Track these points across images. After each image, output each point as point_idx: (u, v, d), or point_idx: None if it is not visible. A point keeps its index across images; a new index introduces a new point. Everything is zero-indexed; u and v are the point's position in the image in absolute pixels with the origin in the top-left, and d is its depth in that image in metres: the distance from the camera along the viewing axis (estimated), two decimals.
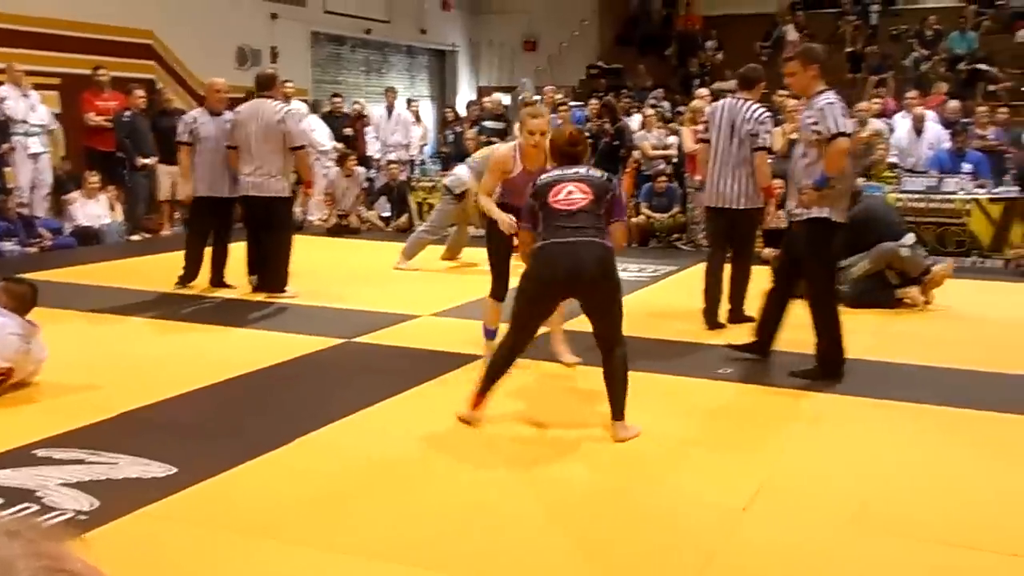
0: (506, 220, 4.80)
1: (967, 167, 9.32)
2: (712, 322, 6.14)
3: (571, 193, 4.00)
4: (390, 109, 12.88)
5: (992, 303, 7.15)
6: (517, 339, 4.12)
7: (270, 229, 7.08)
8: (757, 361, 5.22)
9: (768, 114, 6.10)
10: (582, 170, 4.11)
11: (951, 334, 6.14)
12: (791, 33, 15.95)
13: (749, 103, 6.02)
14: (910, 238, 7.03)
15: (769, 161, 6.19)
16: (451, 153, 12.25)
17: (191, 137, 7.29)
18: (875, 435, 4.14)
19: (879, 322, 6.45)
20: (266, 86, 7.18)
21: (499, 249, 5.08)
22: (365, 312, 6.61)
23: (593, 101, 12.74)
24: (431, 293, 7.38)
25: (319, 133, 11.59)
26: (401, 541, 3.10)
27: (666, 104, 13.92)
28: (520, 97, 14.92)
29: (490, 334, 5.29)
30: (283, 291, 7.13)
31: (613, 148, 10.64)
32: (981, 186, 9.13)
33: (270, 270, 7.18)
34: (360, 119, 12.93)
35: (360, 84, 16.58)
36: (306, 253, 8.14)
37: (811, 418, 4.40)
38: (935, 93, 12.16)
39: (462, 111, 14.25)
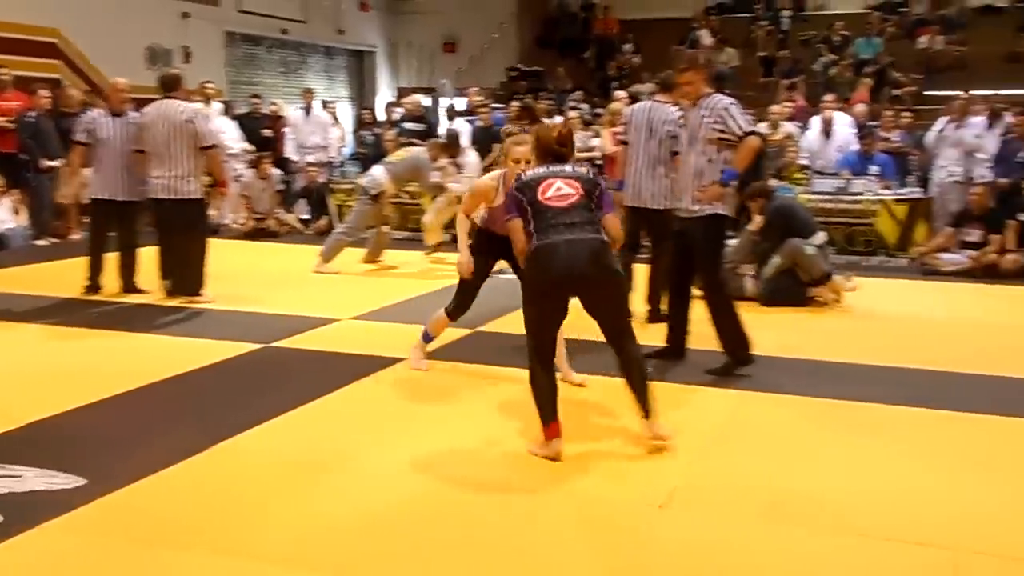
0: (464, 262, 4.82)
1: (874, 169, 9.62)
2: (654, 317, 6.31)
3: (560, 189, 3.87)
4: (307, 110, 12.72)
5: (899, 300, 7.40)
6: (540, 349, 3.89)
7: (184, 232, 6.92)
8: (674, 360, 5.31)
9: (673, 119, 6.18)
10: (568, 168, 4.00)
11: (860, 331, 6.32)
12: (706, 38, 16.26)
13: (667, 106, 6.14)
14: (819, 237, 7.22)
15: None
16: (370, 154, 12.13)
17: (89, 137, 7.11)
18: (788, 430, 4.23)
19: (791, 319, 6.62)
20: (171, 87, 7.01)
21: (474, 274, 4.94)
22: (284, 316, 6.51)
23: (515, 103, 12.80)
24: (351, 296, 7.30)
25: (229, 135, 11.38)
26: (318, 547, 3.06)
27: (585, 106, 14.05)
28: (443, 98, 14.89)
29: (427, 338, 5.23)
30: (199, 295, 6.98)
31: None
32: (887, 187, 9.44)
33: (185, 274, 7.01)
34: (278, 120, 12.73)
35: (278, 85, 16.35)
36: (223, 257, 7.97)
37: (727, 415, 4.48)
38: (861, 87, 12.55)
39: (381, 112, 14.15)
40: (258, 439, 4.06)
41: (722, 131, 4.96)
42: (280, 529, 3.19)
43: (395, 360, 5.32)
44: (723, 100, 5.02)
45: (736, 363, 5.08)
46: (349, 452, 3.91)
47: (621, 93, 10.76)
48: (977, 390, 4.87)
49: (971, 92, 10.67)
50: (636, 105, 6.57)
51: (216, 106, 11.49)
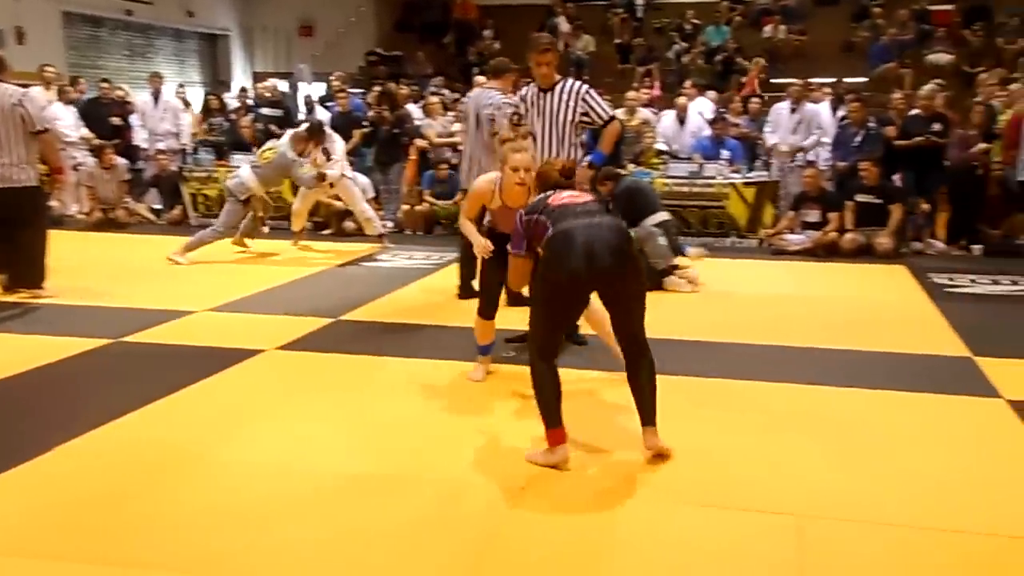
0: (480, 243, 4.43)
1: (725, 153, 9.99)
2: (465, 292, 6.43)
3: (573, 194, 3.72)
4: (156, 96, 12.17)
5: (748, 280, 7.72)
6: (546, 349, 3.59)
7: (20, 222, 6.54)
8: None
9: (508, 101, 6.01)
10: (574, 190, 3.82)
11: (710, 310, 6.56)
12: (563, 24, 16.47)
13: (492, 92, 6.21)
14: (660, 216, 7.33)
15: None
16: (226, 142, 11.75)
17: None
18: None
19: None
20: None
21: (491, 269, 4.61)
22: (135, 310, 6.24)
23: (375, 88, 12.64)
24: (208, 287, 7.08)
25: (65, 122, 10.82)
26: (174, 546, 2.97)
27: (446, 92, 14.01)
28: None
29: (484, 349, 4.79)
30: (40, 288, 6.62)
31: (393, 136, 10.62)
32: (736, 171, 9.83)
33: (24, 266, 6.64)
34: (125, 106, 12.15)
35: (124, 69, 15.62)
36: (67, 249, 7.60)
37: (586, 394, 4.57)
38: (753, 68, 12.90)
39: (236, 98, 13.72)
40: (108, 437, 3.90)
41: (585, 114, 5.20)
42: (134, 529, 3.08)
43: (255, 352, 5.19)
44: (581, 86, 5.26)
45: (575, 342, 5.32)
46: (206, 447, 3.80)
47: (481, 79, 10.78)
48: (819, 363, 5.13)
49: (809, 80, 11.21)
50: (471, 92, 6.66)
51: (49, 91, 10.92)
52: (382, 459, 3.70)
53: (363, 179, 10.06)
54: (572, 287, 3.53)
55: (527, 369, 3.66)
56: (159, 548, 2.96)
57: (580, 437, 3.87)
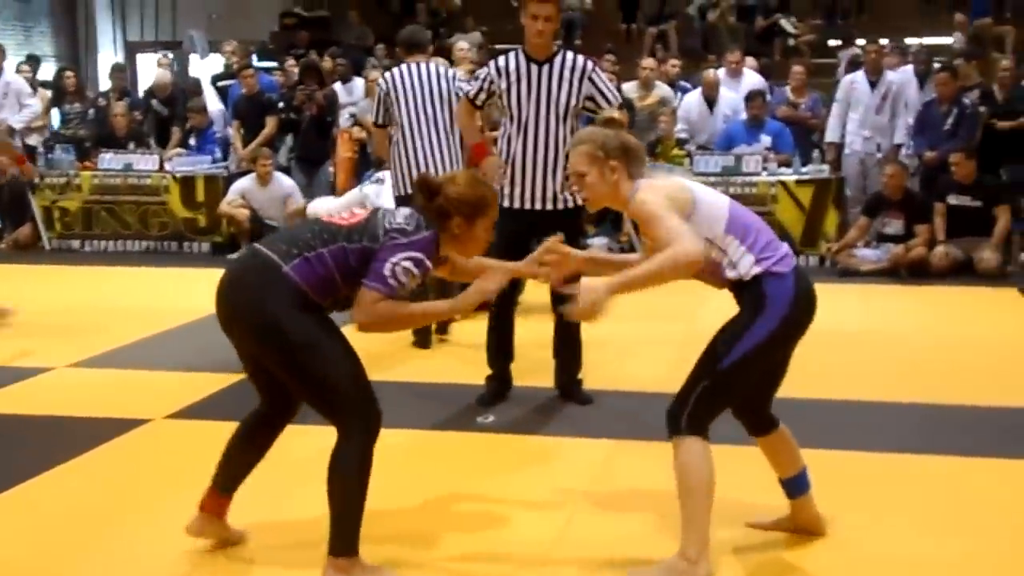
0: None
1: (765, 140, 9.93)
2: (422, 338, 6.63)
3: (353, 214, 3.64)
4: None
5: None
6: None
7: None
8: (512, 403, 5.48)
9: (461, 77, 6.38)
10: (399, 212, 3.58)
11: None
12: None
13: (441, 65, 6.52)
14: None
15: None
16: (92, 135, 11.69)
17: None
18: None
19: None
20: None
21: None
22: None
23: (291, 61, 12.67)
24: (69, 332, 7.05)
25: None
26: None
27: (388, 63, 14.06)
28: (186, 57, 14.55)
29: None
30: None
31: (323, 124, 10.60)
32: (786, 164, 9.81)
33: None
34: None
35: None
36: None
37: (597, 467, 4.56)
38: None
39: (103, 79, 13.70)
40: None
41: (590, 99, 5.26)
42: None
43: (136, 423, 5.15)
44: (586, 62, 5.35)
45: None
46: (49, 565, 3.75)
47: (464, 44, 10.75)
48: (902, 423, 5.15)
49: (881, 41, 11.15)
50: (405, 70, 6.60)
51: None
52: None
53: (287, 182, 10.07)
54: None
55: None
56: None
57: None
